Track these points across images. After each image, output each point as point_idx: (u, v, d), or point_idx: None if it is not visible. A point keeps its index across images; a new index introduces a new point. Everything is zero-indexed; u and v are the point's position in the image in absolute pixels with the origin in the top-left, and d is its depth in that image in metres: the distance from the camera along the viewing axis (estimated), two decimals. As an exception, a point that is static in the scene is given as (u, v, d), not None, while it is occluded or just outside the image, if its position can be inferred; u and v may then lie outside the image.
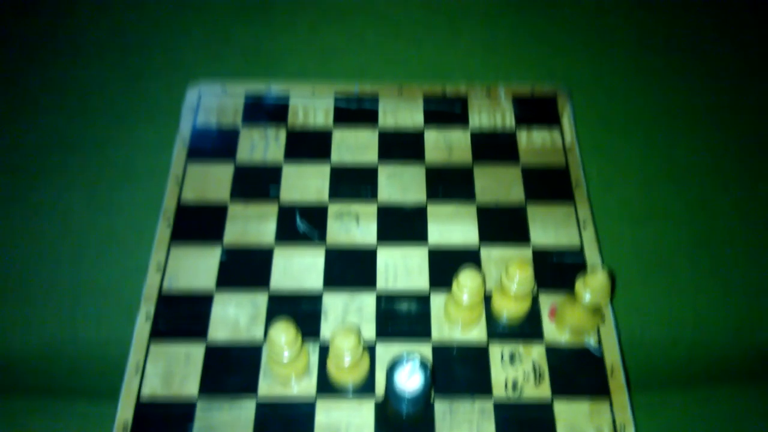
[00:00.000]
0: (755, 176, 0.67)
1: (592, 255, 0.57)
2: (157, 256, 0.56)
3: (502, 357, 0.52)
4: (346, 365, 0.47)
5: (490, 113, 0.68)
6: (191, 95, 0.68)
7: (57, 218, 0.64)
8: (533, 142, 0.65)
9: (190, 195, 0.61)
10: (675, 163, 0.67)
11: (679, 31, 0.77)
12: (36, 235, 0.63)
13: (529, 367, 0.52)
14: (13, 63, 0.73)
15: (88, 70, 0.72)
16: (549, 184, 0.62)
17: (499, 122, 0.67)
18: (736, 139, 0.69)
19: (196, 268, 0.57)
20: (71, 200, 0.64)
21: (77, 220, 0.63)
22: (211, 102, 0.68)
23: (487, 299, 0.55)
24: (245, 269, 0.57)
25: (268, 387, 0.51)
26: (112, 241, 0.62)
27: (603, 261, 0.57)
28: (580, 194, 0.61)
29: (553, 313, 0.54)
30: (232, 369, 0.52)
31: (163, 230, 0.58)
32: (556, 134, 0.66)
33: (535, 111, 0.68)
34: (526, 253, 0.58)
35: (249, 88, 0.69)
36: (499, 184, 0.62)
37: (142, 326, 0.53)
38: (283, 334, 0.46)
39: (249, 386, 0.51)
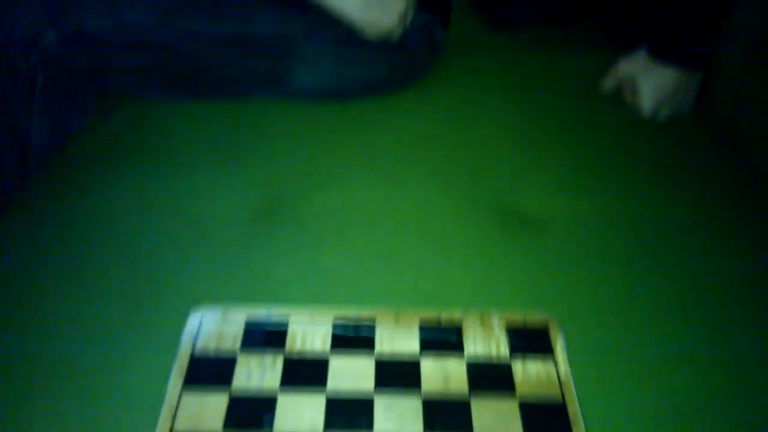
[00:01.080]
0: (755, 404, 0.67)
1: (596, 501, 0.55)
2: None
3: None
4: None
5: (485, 342, 0.69)
6: (192, 321, 0.69)
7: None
8: (529, 373, 0.66)
9: (183, 426, 0.60)
10: (672, 394, 0.67)
11: (671, 255, 0.81)
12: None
13: None
14: (15, 287, 0.75)
15: (88, 293, 0.74)
16: (547, 420, 0.61)
17: (494, 351, 0.68)
18: (732, 367, 0.70)
19: None
20: (61, 428, 0.63)
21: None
22: (212, 328, 0.69)
23: None
24: None
25: None
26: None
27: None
28: (579, 432, 0.60)
29: None
30: None
31: (151, 466, 0.56)
32: (551, 365, 0.66)
33: (529, 340, 0.69)
34: (528, 496, 0.56)
35: (249, 314, 0.70)
36: (497, 420, 0.61)
37: None
38: None
39: None
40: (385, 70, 1.04)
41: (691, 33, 1.00)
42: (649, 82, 1.02)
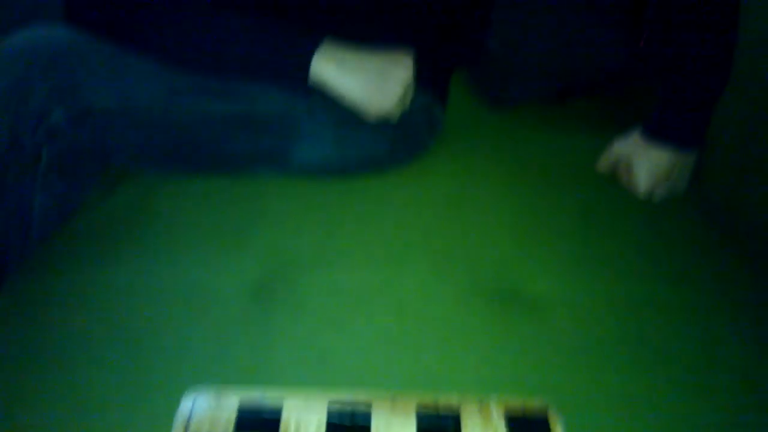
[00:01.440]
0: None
1: None
2: None
3: None
4: None
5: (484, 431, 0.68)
6: (185, 404, 0.68)
7: None
8: (528, 466, 0.64)
9: None
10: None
11: (669, 341, 0.81)
12: None
13: None
14: (11, 362, 0.75)
15: (81, 369, 0.74)
16: None
17: (492, 442, 0.67)
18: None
19: None
20: None
21: None
22: (204, 412, 0.68)
23: None
24: None
25: None
26: None
27: None
28: None
29: None
30: None
31: None
32: (551, 457, 0.65)
33: (528, 429, 0.68)
34: None
35: (243, 397, 0.69)
36: None
37: None
38: None
39: None
40: (385, 149, 1.06)
41: (684, 114, 1.02)
42: (644, 163, 1.03)
